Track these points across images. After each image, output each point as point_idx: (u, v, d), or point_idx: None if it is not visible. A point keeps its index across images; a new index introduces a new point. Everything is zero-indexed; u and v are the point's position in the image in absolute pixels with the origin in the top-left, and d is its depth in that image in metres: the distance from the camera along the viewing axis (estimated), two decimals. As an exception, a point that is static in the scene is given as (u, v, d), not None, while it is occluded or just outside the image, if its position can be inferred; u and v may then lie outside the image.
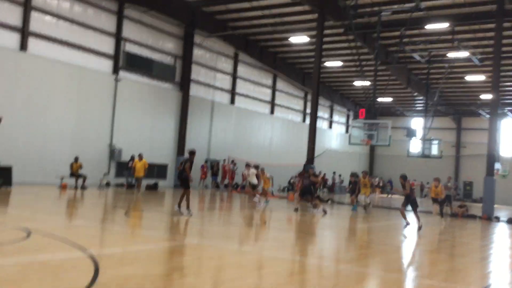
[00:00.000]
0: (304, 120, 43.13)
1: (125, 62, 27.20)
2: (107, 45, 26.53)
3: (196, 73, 31.91)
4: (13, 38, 22.50)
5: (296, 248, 10.80)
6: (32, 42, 23.13)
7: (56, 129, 24.01)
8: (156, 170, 28.63)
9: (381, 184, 44.24)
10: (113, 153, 26.31)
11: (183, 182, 14.37)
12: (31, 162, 22.41)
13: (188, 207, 14.08)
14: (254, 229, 13.80)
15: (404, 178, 15.54)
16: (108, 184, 25.13)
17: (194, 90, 31.72)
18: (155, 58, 29.06)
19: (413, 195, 15.61)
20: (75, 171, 22.09)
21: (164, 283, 6.25)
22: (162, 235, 10.88)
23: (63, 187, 21.47)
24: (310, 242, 12.05)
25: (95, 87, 25.84)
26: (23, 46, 22.75)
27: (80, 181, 22.01)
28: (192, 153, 14.63)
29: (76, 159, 22.28)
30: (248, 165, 21.95)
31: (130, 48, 27.57)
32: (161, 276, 6.68)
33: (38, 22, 23.36)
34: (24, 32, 22.73)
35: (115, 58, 26.87)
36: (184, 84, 30.83)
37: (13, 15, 22.41)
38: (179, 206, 14.27)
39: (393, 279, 7.82)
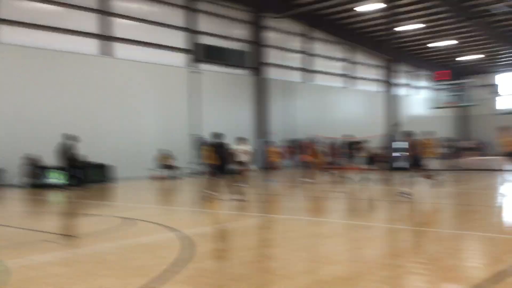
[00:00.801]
0: (383, 90, 42.16)
1: (200, 54, 28.24)
2: (183, 39, 27.76)
3: (269, 55, 32.32)
4: (95, 44, 24.23)
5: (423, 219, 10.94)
6: (114, 46, 24.79)
7: (145, 126, 25.72)
8: (240, 155, 29.54)
9: (477, 146, 42.06)
10: (197, 142, 27.53)
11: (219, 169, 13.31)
12: (127, 159, 24.16)
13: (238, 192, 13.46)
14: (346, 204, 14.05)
15: None
16: (195, 173, 26.43)
17: (269, 72, 32.19)
18: (228, 46, 29.85)
19: None
20: (165, 163, 23.57)
21: (251, 253, 6.77)
22: (248, 213, 11.48)
23: (156, 178, 22.99)
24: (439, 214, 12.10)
25: (174, 81, 27.18)
26: (106, 51, 24.45)
27: (170, 171, 23.45)
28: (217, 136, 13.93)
29: (164, 152, 23.75)
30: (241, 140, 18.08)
31: (203, 40, 28.57)
32: (249, 248, 7.21)
33: (117, 26, 25.00)
34: (106, 38, 24.40)
35: (190, 51, 28.00)
36: (258, 68, 31.40)
37: (92, 22, 24.13)
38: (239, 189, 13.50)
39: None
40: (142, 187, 19.77)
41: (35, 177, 20.20)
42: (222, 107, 29.48)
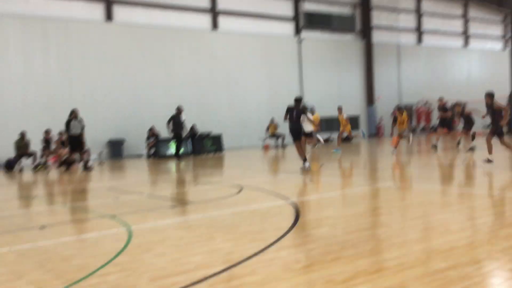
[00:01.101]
0: (505, 47, 38.68)
1: (305, 21, 27.94)
2: (286, 8, 27.64)
3: (377, 18, 31.08)
4: (205, 19, 25.05)
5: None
6: (221, 20, 25.47)
7: (252, 97, 26.24)
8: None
9: None
10: (305, 110, 27.53)
11: (297, 134, 13.23)
12: (235, 129, 24.99)
13: (304, 159, 13.17)
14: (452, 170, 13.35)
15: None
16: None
17: (377, 36, 31.02)
18: (333, 11, 29.17)
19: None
20: (273, 132, 23.96)
21: (356, 221, 6.73)
22: (355, 181, 11.36)
23: (265, 148, 23.50)
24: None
25: (280, 51, 27.29)
26: (214, 25, 25.20)
27: (279, 140, 23.81)
28: (297, 100, 13.51)
29: (272, 121, 24.12)
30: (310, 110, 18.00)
31: (308, 7, 28.19)
32: (354, 215, 7.17)
33: (224, 0, 25.61)
34: (214, 12, 25.15)
35: (296, 19, 27.82)
36: (365, 32, 30.38)
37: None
38: (304, 160, 13.05)
39: None
40: (252, 156, 20.33)
41: (156, 148, 21.66)
42: (327, 74, 29.09)
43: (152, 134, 21.93)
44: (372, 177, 12.24)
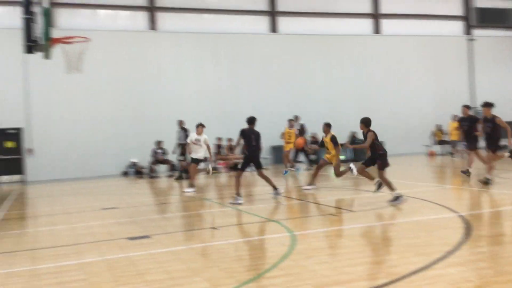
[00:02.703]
0: None
1: (477, 19, 25.95)
2: (454, 6, 26.03)
3: None
4: (367, 24, 24.85)
5: None
6: (383, 23, 25.03)
7: (416, 101, 25.21)
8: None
9: None
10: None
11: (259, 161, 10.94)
12: (396, 134, 24.15)
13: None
14: None
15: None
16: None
17: None
18: (509, 6, 26.60)
19: None
20: (441, 138, 22.67)
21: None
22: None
23: (430, 154, 22.34)
24: None
25: (447, 52, 25.77)
26: (376, 29, 24.85)
27: (445, 147, 22.45)
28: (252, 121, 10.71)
29: (438, 127, 22.85)
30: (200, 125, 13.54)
31: (480, 3, 26.15)
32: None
33: (386, 3, 25.09)
34: (376, 16, 24.82)
35: (466, 17, 26.02)
36: (549, 26, 27.08)
37: (365, 2, 24.82)
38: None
39: None
40: (415, 164, 19.47)
41: (317, 154, 21.97)
42: (504, 75, 26.56)
43: (314, 141, 22.31)
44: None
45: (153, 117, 21.58)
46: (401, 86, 25.11)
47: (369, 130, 10.07)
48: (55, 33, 10.20)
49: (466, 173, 12.35)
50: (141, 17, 22.23)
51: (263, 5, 23.75)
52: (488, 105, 11.43)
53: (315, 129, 22.60)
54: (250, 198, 11.77)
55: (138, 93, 21.59)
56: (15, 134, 20.36)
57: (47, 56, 10.89)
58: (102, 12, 21.89)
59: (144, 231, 7.79)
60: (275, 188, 10.71)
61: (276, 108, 23.03)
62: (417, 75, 25.38)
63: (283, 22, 23.89)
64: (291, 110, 23.46)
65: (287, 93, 23.59)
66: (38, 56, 11.74)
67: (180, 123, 18.12)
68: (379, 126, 23.71)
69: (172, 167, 19.83)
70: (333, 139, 11.97)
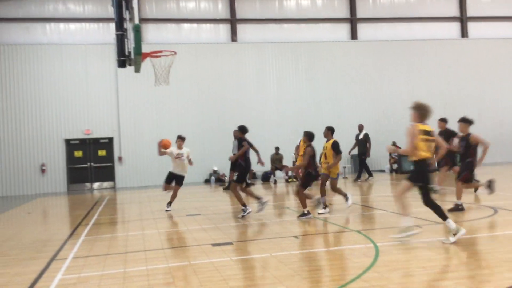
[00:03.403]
0: None
1: None
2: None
3: None
4: (453, 27, 24.01)
5: None
6: (471, 26, 24.05)
7: (509, 106, 23.97)
8: None
9: None
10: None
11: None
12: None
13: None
14: None
15: None
16: None
17: None
18: None
19: None
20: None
21: None
22: None
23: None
24: None
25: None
26: (463, 32, 23.94)
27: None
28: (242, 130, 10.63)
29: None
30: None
31: None
32: None
33: (473, 6, 24.11)
34: (462, 19, 23.90)
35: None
36: None
37: (451, 6, 24.01)
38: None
39: None
40: (508, 174, 18.31)
41: (398, 163, 21.39)
42: None
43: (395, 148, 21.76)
44: None
45: (235, 126, 22.01)
46: (492, 90, 23.96)
47: (309, 145, 9.57)
48: (144, 48, 10.76)
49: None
50: (223, 30, 22.88)
51: (343, 13, 23.60)
52: (464, 121, 9.65)
53: (396, 137, 22.04)
54: (330, 208, 11.69)
55: (220, 103, 22.20)
56: (107, 143, 21.66)
57: (137, 70, 11.50)
58: (186, 26, 22.79)
59: (227, 237, 7.98)
60: (244, 205, 10.11)
61: (356, 116, 22.70)
62: (504, 79, 24.11)
63: (363, 29, 23.60)
64: (372, 117, 23.02)
65: (368, 100, 23.22)
66: (126, 69, 12.44)
67: (235, 133, 17.71)
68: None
69: (253, 175, 20.17)
70: (335, 146, 10.21)
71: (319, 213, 9.99)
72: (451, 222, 6.69)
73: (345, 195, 10.47)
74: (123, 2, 10.90)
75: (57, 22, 21.64)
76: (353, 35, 23.52)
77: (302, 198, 9.61)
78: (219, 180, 21.25)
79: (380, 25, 23.72)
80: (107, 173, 21.63)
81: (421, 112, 6.77)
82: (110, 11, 18.89)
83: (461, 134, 9.91)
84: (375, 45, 23.45)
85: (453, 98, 23.52)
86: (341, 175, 20.43)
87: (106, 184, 21.67)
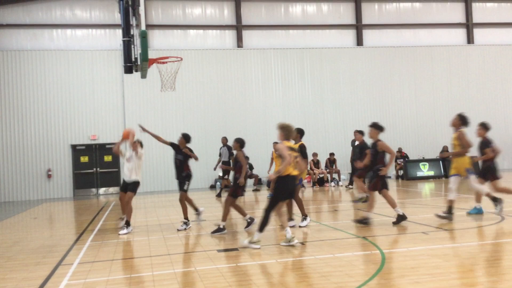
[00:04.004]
0: None
1: None
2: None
3: None
4: (459, 34, 23.97)
5: None
6: (476, 32, 24.02)
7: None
8: None
9: None
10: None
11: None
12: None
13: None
14: None
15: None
16: None
17: None
18: None
19: None
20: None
21: None
22: None
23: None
24: None
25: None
26: (469, 39, 23.90)
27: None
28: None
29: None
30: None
31: None
32: None
33: (479, 12, 24.10)
34: (468, 26, 23.87)
35: None
36: None
37: (457, 12, 23.99)
38: None
39: None
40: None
41: (404, 169, 21.31)
42: None
43: (401, 155, 21.67)
44: None
45: (240, 131, 22.06)
46: (498, 96, 23.91)
47: (240, 150, 9.23)
48: (151, 54, 10.81)
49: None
50: (229, 36, 22.94)
51: (348, 19, 23.63)
52: (375, 126, 9.48)
53: (402, 143, 21.98)
54: (335, 214, 11.65)
55: (226, 109, 22.24)
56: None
57: (144, 76, 11.54)
58: (192, 32, 22.88)
59: (232, 243, 7.97)
60: (186, 218, 10.08)
61: (362, 122, 22.65)
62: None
63: (368, 35, 23.62)
64: (380, 120, 23.00)
65: (373, 106, 23.19)
66: (133, 75, 12.49)
67: (224, 140, 17.30)
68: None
69: (259, 181, 20.11)
70: (301, 148, 9.50)
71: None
72: (259, 235, 7.40)
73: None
74: (130, 9, 10.96)
75: (64, 28, 21.79)
76: (359, 41, 23.53)
77: (226, 209, 9.26)
78: (225, 186, 21.21)
79: (386, 31, 23.75)
80: (113, 179, 21.68)
81: (285, 132, 7.62)
82: (117, 18, 19.04)
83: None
84: (381, 51, 23.46)
85: (459, 104, 23.44)
86: (344, 182, 20.36)
87: (112, 189, 21.72)
